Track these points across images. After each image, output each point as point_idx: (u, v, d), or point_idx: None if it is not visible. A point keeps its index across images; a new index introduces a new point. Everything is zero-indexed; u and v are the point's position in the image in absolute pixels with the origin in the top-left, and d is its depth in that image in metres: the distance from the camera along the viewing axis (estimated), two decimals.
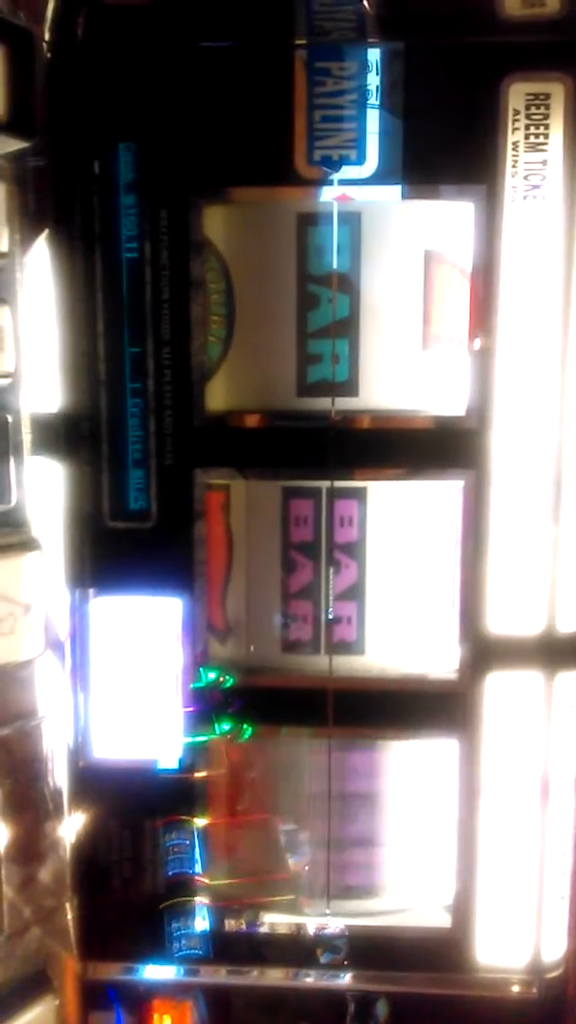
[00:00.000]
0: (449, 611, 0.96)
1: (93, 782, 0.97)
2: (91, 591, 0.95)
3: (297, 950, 0.99)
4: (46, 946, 0.95)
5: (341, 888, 1.02)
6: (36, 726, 0.93)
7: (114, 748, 0.96)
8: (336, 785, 0.99)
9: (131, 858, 0.98)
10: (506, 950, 0.97)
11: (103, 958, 1.00)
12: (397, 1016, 0.99)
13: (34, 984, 0.94)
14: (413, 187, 0.89)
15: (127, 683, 0.96)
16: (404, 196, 0.89)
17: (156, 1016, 0.99)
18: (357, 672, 0.97)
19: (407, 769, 1.01)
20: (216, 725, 0.96)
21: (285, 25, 0.87)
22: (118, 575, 0.95)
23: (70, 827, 0.97)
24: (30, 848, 0.93)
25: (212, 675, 0.95)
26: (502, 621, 0.92)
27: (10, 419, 0.89)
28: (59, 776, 0.96)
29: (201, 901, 0.99)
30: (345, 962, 0.99)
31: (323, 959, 0.99)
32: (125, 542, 0.94)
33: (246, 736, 0.97)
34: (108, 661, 0.96)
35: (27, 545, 0.90)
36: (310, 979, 0.99)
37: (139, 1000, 1.00)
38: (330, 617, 0.98)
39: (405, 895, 1.03)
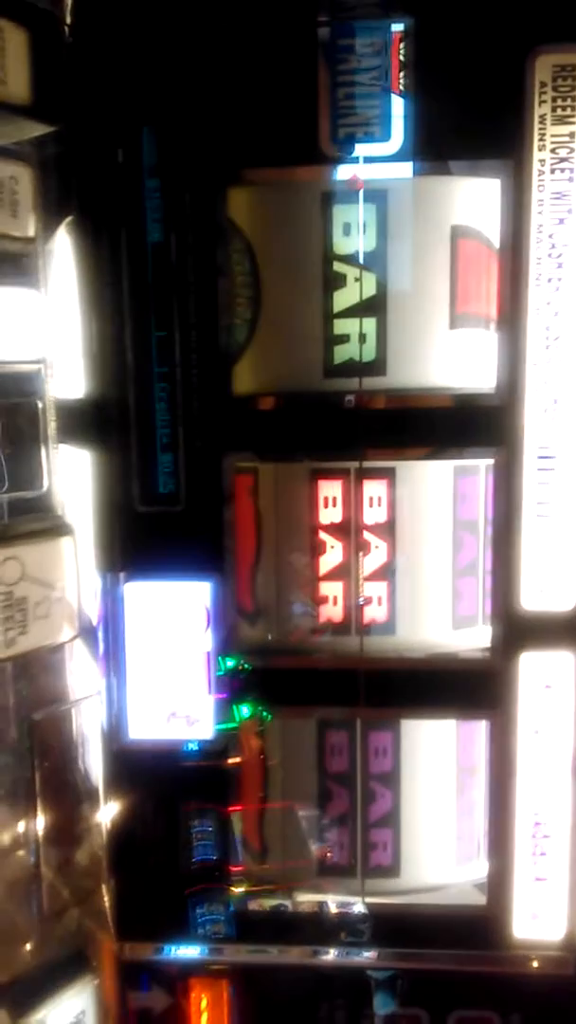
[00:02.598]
0: (481, 590, 0.96)
1: (128, 765, 0.98)
2: (122, 575, 0.96)
3: (321, 931, 1.00)
4: (84, 927, 0.97)
5: (368, 868, 1.02)
6: (69, 710, 0.94)
7: (148, 731, 0.97)
8: (356, 766, 1.00)
9: (165, 840, 0.99)
10: (542, 927, 0.97)
11: (139, 939, 1.01)
12: (429, 995, 0.99)
13: (74, 964, 0.95)
14: (438, 163, 0.88)
15: (160, 666, 0.96)
16: (429, 172, 0.88)
17: (193, 995, 1.01)
18: (388, 652, 0.97)
19: (430, 748, 1.02)
20: (236, 711, 0.96)
21: (307, 3, 0.86)
22: (148, 559, 0.95)
23: (106, 810, 0.98)
24: (67, 830, 0.94)
25: (231, 662, 0.96)
26: (535, 599, 0.92)
27: (40, 405, 0.89)
28: (94, 759, 0.97)
29: (227, 887, 1.00)
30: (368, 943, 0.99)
31: (347, 941, 0.99)
32: (155, 526, 0.95)
33: (267, 721, 0.98)
34: (140, 645, 0.96)
35: (59, 530, 0.91)
36: (329, 956, 0.99)
37: (176, 979, 1.01)
38: (360, 601, 0.98)
39: (433, 874, 1.04)
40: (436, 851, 1.04)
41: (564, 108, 0.84)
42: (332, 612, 0.99)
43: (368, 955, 0.99)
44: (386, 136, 0.87)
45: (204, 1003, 1.01)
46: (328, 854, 1.03)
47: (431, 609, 0.99)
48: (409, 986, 0.99)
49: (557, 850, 0.96)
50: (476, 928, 0.98)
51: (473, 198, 0.92)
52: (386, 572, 0.98)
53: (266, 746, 1.01)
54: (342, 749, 1.02)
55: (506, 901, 0.97)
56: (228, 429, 0.93)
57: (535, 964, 0.97)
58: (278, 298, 0.95)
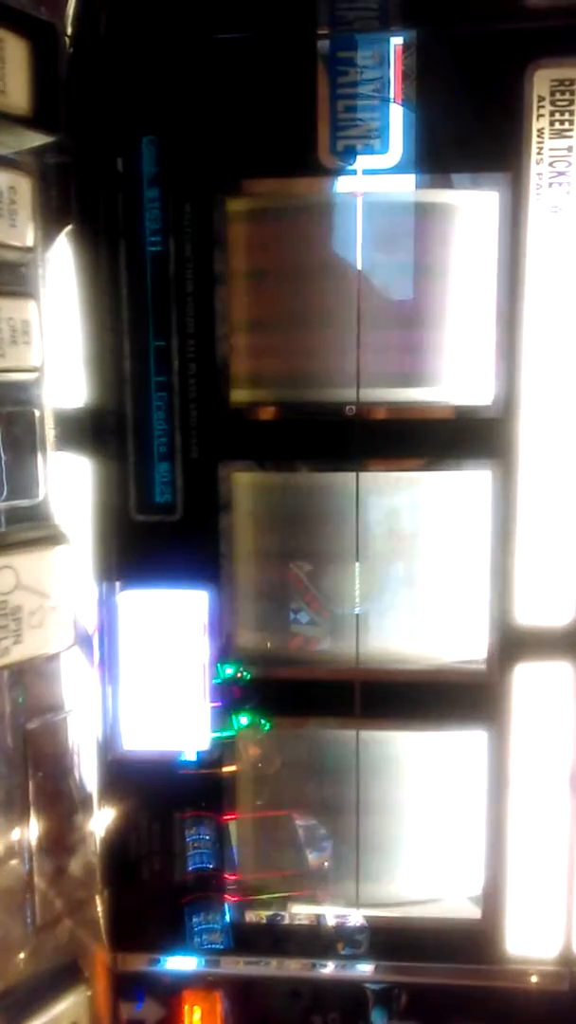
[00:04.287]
0: (478, 601, 0.96)
1: (122, 775, 0.97)
2: (118, 584, 0.95)
3: (318, 942, 0.99)
4: (77, 938, 0.96)
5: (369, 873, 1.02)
6: (64, 719, 0.94)
7: (143, 741, 0.97)
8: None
9: (160, 851, 0.99)
10: (537, 942, 0.97)
11: (133, 950, 1.00)
12: (424, 1009, 0.99)
13: (66, 975, 0.95)
14: (437, 176, 0.88)
15: (155, 676, 0.96)
16: (428, 185, 0.89)
17: (187, 1007, 1.00)
18: (384, 663, 0.97)
19: (432, 758, 1.02)
20: (234, 720, 0.96)
21: (307, 15, 0.86)
22: (145, 568, 0.95)
23: (100, 820, 0.98)
24: (61, 840, 0.94)
25: (230, 670, 0.96)
26: (530, 611, 0.92)
27: (37, 413, 0.89)
28: (88, 769, 0.97)
29: (222, 896, 0.99)
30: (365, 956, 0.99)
31: (343, 953, 0.99)
32: (151, 535, 0.95)
33: (265, 730, 0.97)
34: (136, 654, 0.96)
35: (55, 539, 0.90)
36: (326, 970, 0.99)
37: (169, 991, 1.00)
38: (356, 611, 0.98)
39: (431, 886, 1.03)
40: (438, 862, 1.03)
41: (562, 122, 0.84)
42: (329, 622, 0.99)
43: (364, 968, 0.98)
44: (385, 148, 0.87)
45: (198, 1015, 1.00)
46: (325, 864, 1.02)
47: (428, 620, 0.99)
48: (405, 999, 0.98)
49: (553, 864, 0.95)
50: (472, 942, 0.98)
51: (470, 211, 0.92)
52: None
53: (262, 754, 1.01)
54: None
55: (501, 915, 0.97)
56: (225, 438, 0.94)
57: (532, 979, 0.97)
58: (276, 307, 0.95)
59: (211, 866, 0.99)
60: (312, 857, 1.02)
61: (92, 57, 0.87)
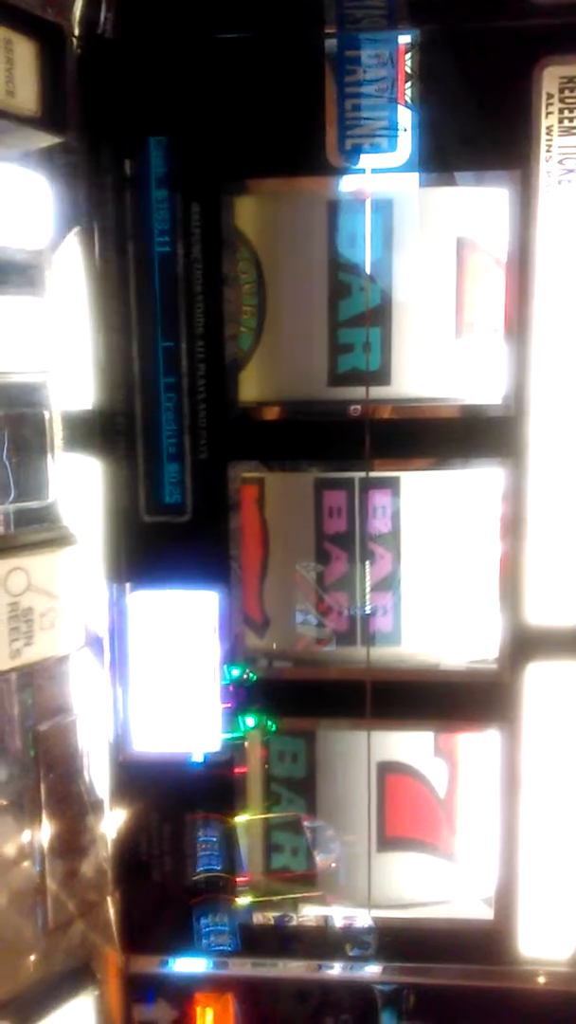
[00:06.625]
0: (488, 601, 0.95)
1: (133, 776, 0.97)
2: (128, 585, 0.95)
3: (326, 944, 0.99)
4: (89, 940, 0.96)
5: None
6: (74, 721, 0.94)
7: (153, 742, 0.97)
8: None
9: (171, 852, 0.99)
10: (549, 942, 0.96)
11: (144, 951, 1.00)
12: (435, 1010, 0.98)
13: (78, 977, 0.94)
14: (445, 174, 0.88)
15: (165, 676, 0.96)
16: (436, 183, 0.88)
17: (199, 1009, 1.00)
18: (394, 663, 0.97)
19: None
20: (241, 721, 0.96)
21: (314, 15, 0.86)
22: (154, 569, 0.95)
23: (111, 821, 0.98)
24: (72, 842, 0.93)
25: (236, 671, 0.96)
26: (542, 611, 0.91)
27: (46, 415, 0.89)
28: (99, 771, 0.96)
29: (230, 897, 0.99)
30: (373, 957, 0.98)
31: (351, 954, 0.99)
32: (161, 536, 0.95)
33: (272, 731, 0.97)
34: (146, 655, 0.96)
35: (65, 540, 0.90)
36: (334, 971, 0.99)
37: (181, 993, 1.00)
38: (366, 611, 0.98)
39: (445, 887, 1.03)
40: (454, 865, 1.03)
41: (571, 119, 0.84)
42: (337, 622, 0.99)
43: (373, 970, 0.98)
44: (392, 147, 0.87)
45: (210, 1017, 1.00)
46: (333, 864, 1.02)
47: (437, 619, 0.99)
48: (415, 1000, 0.98)
49: (566, 865, 0.95)
50: (484, 943, 0.97)
51: (478, 209, 0.91)
52: (390, 582, 0.98)
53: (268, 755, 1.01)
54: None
55: (513, 916, 0.96)
56: (234, 438, 0.93)
57: (542, 980, 0.96)
58: (283, 307, 0.95)
59: (219, 868, 0.98)
60: (320, 858, 1.02)
61: (100, 58, 0.87)
